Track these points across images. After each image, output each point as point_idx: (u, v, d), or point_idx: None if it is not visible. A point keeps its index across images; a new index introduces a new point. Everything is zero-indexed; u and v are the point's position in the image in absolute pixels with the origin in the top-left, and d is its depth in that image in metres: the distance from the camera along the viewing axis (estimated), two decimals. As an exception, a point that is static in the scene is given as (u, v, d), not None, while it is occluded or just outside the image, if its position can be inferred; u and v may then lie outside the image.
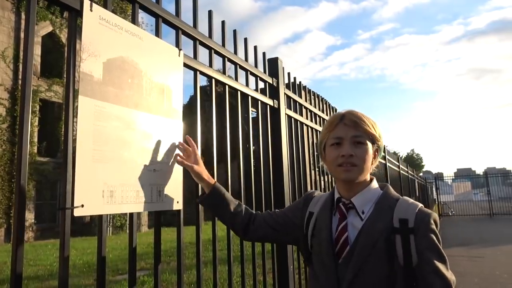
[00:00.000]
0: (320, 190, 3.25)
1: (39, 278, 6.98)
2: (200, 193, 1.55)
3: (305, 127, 3.02)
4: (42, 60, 17.41)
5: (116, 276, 6.92)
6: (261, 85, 2.32)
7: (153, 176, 1.30)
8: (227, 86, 1.89)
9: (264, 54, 2.41)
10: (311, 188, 3.08)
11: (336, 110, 4.09)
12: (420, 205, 1.17)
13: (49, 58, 17.99)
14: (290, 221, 1.40)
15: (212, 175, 1.68)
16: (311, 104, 3.24)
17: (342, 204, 1.23)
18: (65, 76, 1.08)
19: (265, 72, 2.38)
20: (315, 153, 3.37)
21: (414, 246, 1.09)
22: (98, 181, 1.07)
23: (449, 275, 1.08)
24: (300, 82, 3.08)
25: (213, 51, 1.80)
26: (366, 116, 1.23)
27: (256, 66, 2.25)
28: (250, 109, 2.12)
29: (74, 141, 1.04)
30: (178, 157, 1.41)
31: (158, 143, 1.34)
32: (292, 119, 2.73)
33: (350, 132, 1.19)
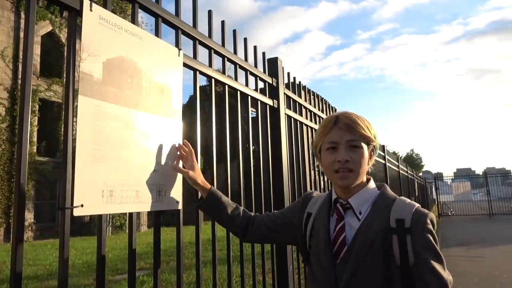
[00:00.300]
0: (320, 190, 3.25)
1: (39, 278, 6.98)
2: (199, 194, 1.55)
3: (304, 127, 3.02)
4: (42, 60, 17.39)
5: (116, 275, 6.92)
6: (260, 85, 2.32)
7: (153, 176, 1.30)
8: (226, 86, 1.89)
9: (263, 54, 2.41)
10: (311, 188, 3.08)
11: (335, 110, 4.09)
12: (417, 205, 1.17)
13: (48, 57, 17.98)
14: (289, 222, 1.40)
15: (212, 175, 1.68)
16: (310, 104, 3.24)
17: (340, 204, 1.23)
18: (64, 75, 1.09)
19: (264, 72, 2.38)
20: (312, 151, 3.37)
21: (410, 246, 1.09)
22: (98, 181, 1.07)
23: (446, 274, 1.08)
24: (299, 82, 3.08)
25: (212, 51, 1.80)
26: (361, 118, 1.22)
27: (255, 66, 2.25)
28: (250, 109, 2.12)
29: (74, 141, 1.04)
30: (174, 163, 1.42)
31: (158, 143, 1.34)
32: (292, 119, 2.73)
33: (345, 136, 1.18)
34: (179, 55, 1.51)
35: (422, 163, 59.81)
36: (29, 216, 15.88)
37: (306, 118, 3.09)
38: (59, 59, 18.50)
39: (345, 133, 1.18)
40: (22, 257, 0.90)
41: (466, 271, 6.58)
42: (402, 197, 1.22)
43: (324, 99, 3.73)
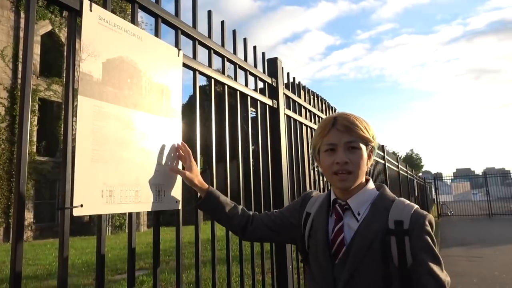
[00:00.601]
0: (319, 190, 3.26)
1: (38, 278, 6.98)
2: (199, 193, 1.56)
3: (304, 127, 3.03)
4: (41, 59, 17.39)
5: (115, 275, 6.92)
6: (260, 85, 2.33)
7: (152, 176, 1.30)
8: (226, 86, 1.89)
9: (263, 54, 2.41)
10: (310, 188, 3.08)
11: (335, 110, 4.09)
12: (416, 206, 1.17)
13: (48, 57, 17.97)
14: (288, 221, 1.41)
15: (212, 175, 1.68)
16: (310, 104, 3.24)
17: (338, 205, 1.23)
18: (64, 75, 1.09)
19: (264, 72, 2.38)
20: (311, 153, 3.37)
21: (409, 247, 1.10)
22: (97, 181, 1.08)
23: (444, 276, 1.08)
24: (299, 82, 3.08)
25: (212, 51, 1.81)
26: (359, 118, 1.22)
27: (255, 66, 2.25)
28: (250, 109, 2.13)
29: (73, 141, 1.04)
30: (173, 164, 1.42)
31: (157, 143, 1.35)
32: (292, 119, 2.73)
33: (343, 137, 1.18)
34: (178, 55, 1.52)
35: (422, 163, 59.87)
36: (29, 216, 15.88)
37: (306, 118, 3.09)
38: (59, 59, 18.50)
39: (343, 134, 1.18)
40: (21, 257, 0.91)
41: (465, 271, 6.58)
42: (401, 198, 1.22)
43: (324, 99, 3.73)
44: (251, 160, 2.16)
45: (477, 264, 7.30)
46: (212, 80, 1.76)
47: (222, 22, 1.93)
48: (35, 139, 16.54)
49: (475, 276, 6.28)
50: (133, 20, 1.35)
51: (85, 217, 16.93)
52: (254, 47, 2.27)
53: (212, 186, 1.56)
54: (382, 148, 6.76)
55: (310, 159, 3.17)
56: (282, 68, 2.59)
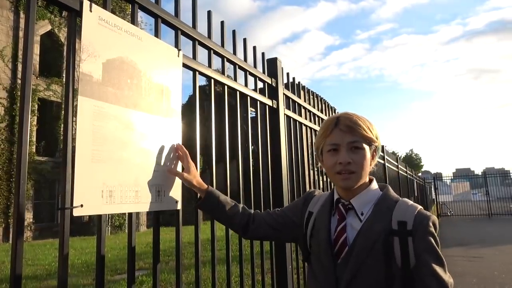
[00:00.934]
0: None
1: (38, 278, 6.98)
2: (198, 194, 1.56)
3: (304, 127, 3.03)
4: (41, 59, 17.39)
5: (115, 275, 6.92)
6: (260, 85, 2.33)
7: (152, 176, 1.30)
8: (226, 87, 1.89)
9: (263, 54, 2.41)
10: (310, 188, 3.08)
11: (335, 110, 4.10)
12: (419, 207, 1.16)
13: (47, 57, 17.96)
14: (290, 220, 1.40)
15: (211, 175, 1.68)
16: (310, 104, 3.24)
17: (342, 205, 1.23)
18: (64, 75, 1.09)
19: (264, 72, 2.38)
20: (314, 153, 3.37)
21: (412, 248, 1.09)
22: (97, 181, 1.08)
23: (447, 277, 1.08)
24: (299, 82, 3.08)
25: (212, 51, 1.81)
26: (362, 118, 1.22)
27: (255, 66, 2.25)
28: (249, 109, 2.13)
29: (73, 141, 1.05)
30: (172, 166, 1.42)
31: (157, 143, 1.35)
32: (291, 119, 2.73)
33: (346, 138, 1.18)
34: (178, 56, 1.52)
35: (421, 163, 59.88)
36: (28, 216, 15.87)
37: (306, 119, 3.09)
38: (58, 59, 18.50)
39: (346, 134, 1.18)
40: (22, 257, 0.91)
41: (465, 271, 6.59)
42: (405, 199, 1.21)
43: (324, 99, 3.73)
44: (251, 160, 2.16)
45: (477, 264, 7.30)
46: (212, 80, 1.76)
47: (222, 23, 1.93)
48: (34, 139, 16.53)
49: (475, 276, 6.28)
50: (133, 21, 1.35)
51: (85, 217, 16.92)
52: (254, 47, 2.27)
53: (212, 186, 1.56)
54: (382, 148, 6.77)
55: (310, 159, 3.17)
56: (282, 68, 2.59)
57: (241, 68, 2.08)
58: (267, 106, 2.35)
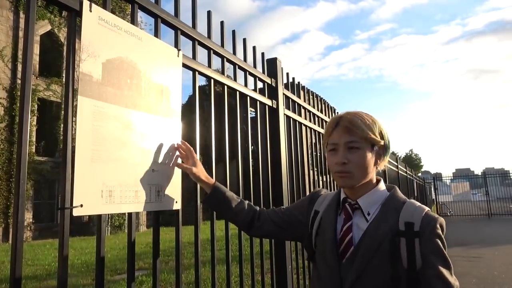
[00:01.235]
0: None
1: (37, 278, 6.98)
2: (199, 192, 1.56)
3: (303, 128, 3.03)
4: (41, 59, 17.38)
5: (115, 276, 6.92)
6: (259, 85, 2.33)
7: (152, 176, 1.30)
8: (226, 87, 1.89)
9: (262, 54, 2.41)
10: (310, 188, 3.08)
11: (334, 110, 4.10)
12: (427, 209, 1.16)
13: (47, 57, 17.95)
14: (296, 219, 1.40)
15: (211, 175, 1.68)
16: (310, 104, 3.25)
17: (348, 204, 1.23)
18: (64, 75, 1.09)
19: (264, 72, 2.38)
20: (314, 153, 3.38)
21: (418, 249, 1.09)
22: (97, 181, 1.08)
23: (453, 280, 1.07)
24: (299, 83, 3.08)
25: (212, 51, 1.81)
26: (363, 118, 1.20)
27: (255, 66, 2.25)
28: (249, 109, 2.13)
29: (73, 140, 1.05)
30: (177, 161, 1.43)
31: (157, 143, 1.35)
32: (291, 119, 2.73)
33: (343, 138, 1.18)
34: (178, 56, 1.52)
35: (421, 163, 59.89)
36: (28, 216, 15.86)
37: (305, 119, 3.10)
38: (58, 59, 18.49)
39: (344, 134, 1.19)
40: (21, 257, 0.91)
41: (465, 271, 6.59)
42: (412, 200, 1.21)
43: (323, 99, 3.73)
44: (250, 160, 2.16)
45: (477, 264, 7.31)
46: (212, 80, 1.76)
47: (222, 23, 1.93)
48: (34, 139, 16.52)
49: (475, 276, 6.28)
50: (133, 21, 1.35)
51: (85, 217, 16.92)
52: (254, 48, 2.27)
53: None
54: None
55: (310, 159, 3.17)
56: (282, 68, 2.59)
57: (240, 68, 2.09)
58: (267, 106, 2.35)
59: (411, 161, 55.11)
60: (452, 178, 31.96)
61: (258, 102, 2.25)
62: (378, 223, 1.15)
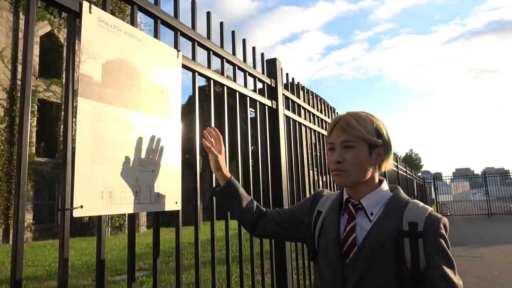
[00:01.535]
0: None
1: (38, 279, 6.97)
2: (199, 193, 1.56)
3: (303, 128, 3.03)
4: (40, 60, 17.37)
5: (115, 276, 6.92)
6: (259, 85, 2.33)
7: (152, 177, 1.31)
8: (225, 87, 1.89)
9: (262, 55, 2.42)
10: (310, 189, 3.08)
11: (334, 110, 4.10)
12: (430, 209, 1.16)
13: (47, 58, 17.95)
14: (298, 219, 1.40)
15: (211, 175, 1.69)
16: (309, 104, 3.25)
17: (351, 204, 1.23)
18: (63, 76, 1.09)
19: (263, 73, 2.39)
20: (313, 154, 3.38)
21: (422, 249, 1.09)
22: (97, 182, 1.08)
23: (457, 280, 1.08)
24: (298, 83, 3.08)
25: (211, 52, 1.81)
26: (360, 118, 1.20)
27: (254, 67, 2.25)
28: (249, 109, 2.13)
29: (73, 141, 1.05)
30: (206, 142, 1.46)
31: (157, 144, 1.35)
32: (291, 119, 2.73)
33: (340, 137, 1.21)
34: (178, 57, 1.52)
35: (421, 163, 59.87)
36: (28, 217, 15.85)
37: (305, 119, 3.10)
38: (58, 60, 18.48)
39: (340, 134, 1.21)
40: (22, 258, 0.91)
41: (465, 271, 6.59)
42: (415, 200, 1.21)
43: (323, 99, 3.73)
44: (250, 160, 2.16)
45: (477, 264, 7.31)
46: (211, 81, 1.77)
47: (221, 23, 1.93)
48: (34, 140, 16.52)
49: (475, 276, 6.28)
50: (132, 22, 1.35)
51: (85, 218, 16.91)
52: (253, 48, 2.27)
53: (212, 186, 1.57)
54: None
55: (310, 159, 3.17)
56: (281, 69, 2.60)
57: (240, 68, 2.09)
58: (266, 106, 2.36)
59: (411, 161, 55.10)
60: (452, 177, 31.96)
61: (257, 103, 2.25)
62: (381, 223, 1.15)
